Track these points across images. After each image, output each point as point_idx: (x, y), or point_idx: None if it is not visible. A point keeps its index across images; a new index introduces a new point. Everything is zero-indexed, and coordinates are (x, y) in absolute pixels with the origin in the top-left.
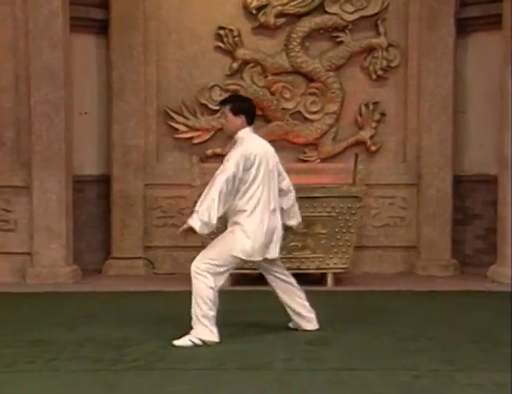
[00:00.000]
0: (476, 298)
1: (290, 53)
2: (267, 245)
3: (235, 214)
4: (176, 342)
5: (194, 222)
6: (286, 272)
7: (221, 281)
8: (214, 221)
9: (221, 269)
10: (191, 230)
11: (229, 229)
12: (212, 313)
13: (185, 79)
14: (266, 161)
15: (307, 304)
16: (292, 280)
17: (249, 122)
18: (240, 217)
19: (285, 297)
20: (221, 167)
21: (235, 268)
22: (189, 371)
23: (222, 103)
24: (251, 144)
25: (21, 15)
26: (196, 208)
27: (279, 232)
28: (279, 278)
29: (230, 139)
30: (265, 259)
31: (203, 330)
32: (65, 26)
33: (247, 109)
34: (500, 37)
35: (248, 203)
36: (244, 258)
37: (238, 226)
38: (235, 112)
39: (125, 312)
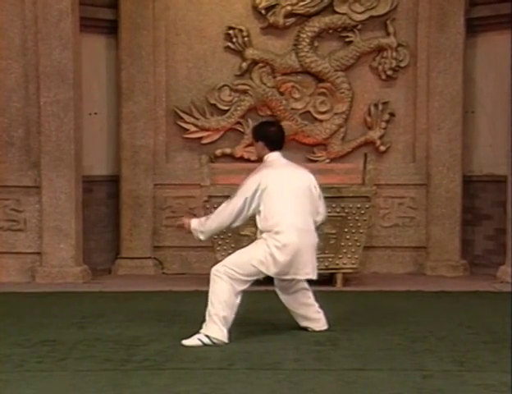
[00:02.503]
0: (485, 298)
1: (299, 53)
2: (291, 265)
3: (260, 232)
4: (185, 342)
5: (195, 226)
6: (308, 294)
7: (242, 286)
8: (204, 237)
9: (243, 278)
10: (187, 228)
11: (256, 241)
12: (224, 313)
13: (194, 79)
14: (283, 185)
15: (316, 304)
16: (305, 284)
17: (272, 147)
18: (263, 234)
19: (293, 310)
20: (239, 188)
21: None
22: (198, 371)
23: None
24: (267, 173)
25: (31, 15)
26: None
27: (307, 254)
28: (293, 298)
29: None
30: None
31: (213, 328)
32: (74, 26)
33: (265, 135)
34: (510, 37)
35: (269, 222)
36: (263, 271)
37: (262, 240)
38: (255, 138)
39: (134, 312)
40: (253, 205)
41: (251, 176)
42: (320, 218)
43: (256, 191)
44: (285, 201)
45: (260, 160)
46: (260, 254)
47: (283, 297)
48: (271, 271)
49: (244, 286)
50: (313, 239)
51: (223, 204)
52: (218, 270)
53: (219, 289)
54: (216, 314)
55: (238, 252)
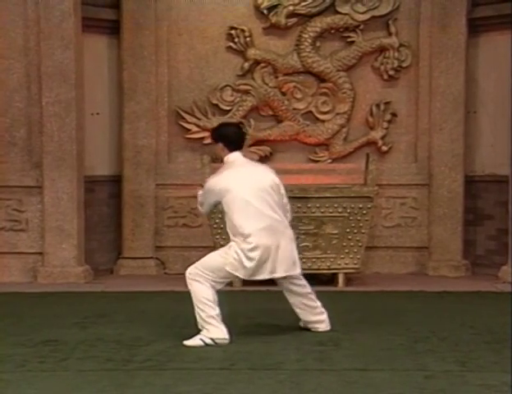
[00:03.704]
0: (487, 299)
1: (301, 53)
2: (266, 265)
3: (231, 235)
4: (187, 342)
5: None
6: (303, 283)
7: (219, 286)
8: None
9: (217, 280)
10: None
11: (230, 244)
12: (215, 312)
13: (196, 79)
14: (245, 185)
15: (319, 304)
16: (307, 288)
17: (231, 148)
18: (234, 238)
19: (298, 310)
20: (203, 189)
21: None
22: (200, 371)
23: None
24: (228, 174)
25: (33, 15)
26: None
27: (282, 251)
28: (293, 291)
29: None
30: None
31: (213, 329)
32: (76, 26)
33: (223, 136)
34: (511, 37)
35: (236, 226)
36: (237, 274)
37: (234, 244)
38: (215, 140)
39: (136, 312)
40: (219, 205)
41: (213, 178)
42: (288, 216)
43: (218, 194)
44: (250, 202)
45: (221, 162)
46: (233, 258)
47: (289, 298)
48: (245, 274)
49: (220, 286)
50: (287, 234)
51: (200, 192)
52: (191, 273)
53: (199, 291)
54: (208, 316)
55: (211, 255)
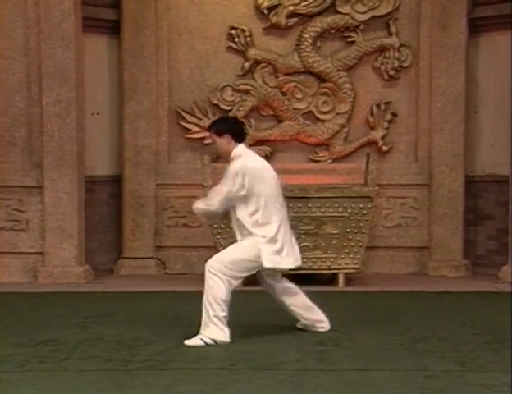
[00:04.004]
0: (487, 299)
1: (301, 53)
2: (282, 254)
3: (250, 227)
4: (187, 342)
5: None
6: (291, 285)
7: (237, 282)
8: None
9: (240, 274)
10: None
11: (249, 239)
12: (224, 313)
13: (196, 79)
14: (264, 174)
15: (314, 305)
16: (298, 289)
17: (237, 140)
18: (254, 229)
19: (295, 309)
20: (221, 181)
21: None
22: (200, 371)
23: (208, 129)
24: (248, 159)
25: (33, 15)
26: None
27: (292, 243)
28: (288, 293)
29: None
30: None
31: (215, 329)
32: (77, 26)
33: (230, 128)
34: (511, 37)
35: (258, 216)
36: (275, 268)
37: (257, 238)
38: (219, 134)
39: (136, 312)
40: (242, 192)
41: (241, 162)
42: None
43: (259, 177)
44: (275, 192)
45: (221, 157)
46: (267, 252)
47: (286, 300)
48: (281, 266)
49: (238, 282)
50: (290, 228)
51: (216, 196)
52: (214, 267)
53: (217, 289)
54: (215, 316)
55: (234, 249)
